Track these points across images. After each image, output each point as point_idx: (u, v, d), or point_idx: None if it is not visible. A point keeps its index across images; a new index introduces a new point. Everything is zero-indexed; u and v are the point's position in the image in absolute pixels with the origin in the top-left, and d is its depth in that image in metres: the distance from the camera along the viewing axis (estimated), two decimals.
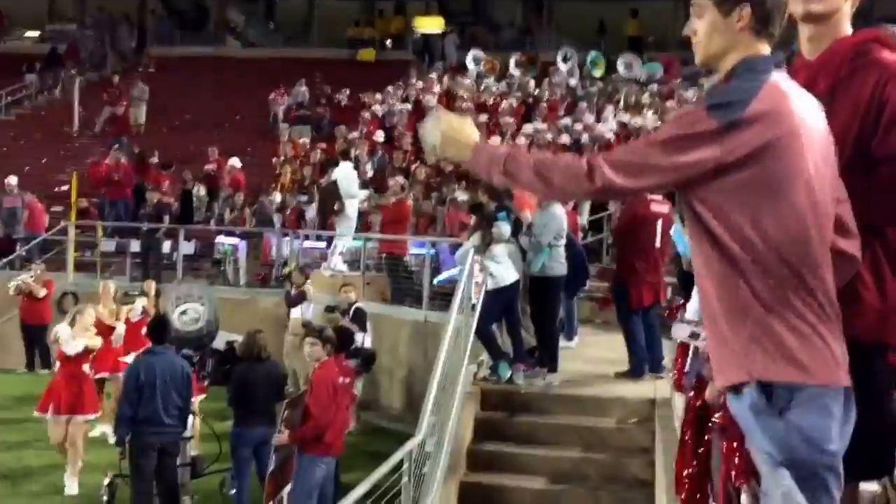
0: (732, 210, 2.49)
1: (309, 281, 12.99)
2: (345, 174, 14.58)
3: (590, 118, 17.55)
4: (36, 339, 14.89)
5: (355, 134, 19.01)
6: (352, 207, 14.46)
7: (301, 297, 12.63)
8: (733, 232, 2.49)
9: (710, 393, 3.76)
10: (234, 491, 8.81)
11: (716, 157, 2.47)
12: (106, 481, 9.12)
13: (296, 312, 12.61)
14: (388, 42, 30.08)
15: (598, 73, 20.76)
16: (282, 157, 19.22)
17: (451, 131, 2.73)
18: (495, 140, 17.03)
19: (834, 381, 2.51)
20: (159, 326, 8.62)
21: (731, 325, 2.53)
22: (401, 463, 6.18)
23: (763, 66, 2.56)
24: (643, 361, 9.21)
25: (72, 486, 9.62)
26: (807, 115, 2.55)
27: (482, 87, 20.57)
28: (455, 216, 13.19)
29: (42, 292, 14.85)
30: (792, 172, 2.49)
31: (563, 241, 9.28)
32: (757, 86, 2.50)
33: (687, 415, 4.47)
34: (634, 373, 9.22)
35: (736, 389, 2.57)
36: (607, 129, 16.41)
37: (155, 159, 19.86)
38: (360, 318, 11.43)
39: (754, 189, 2.48)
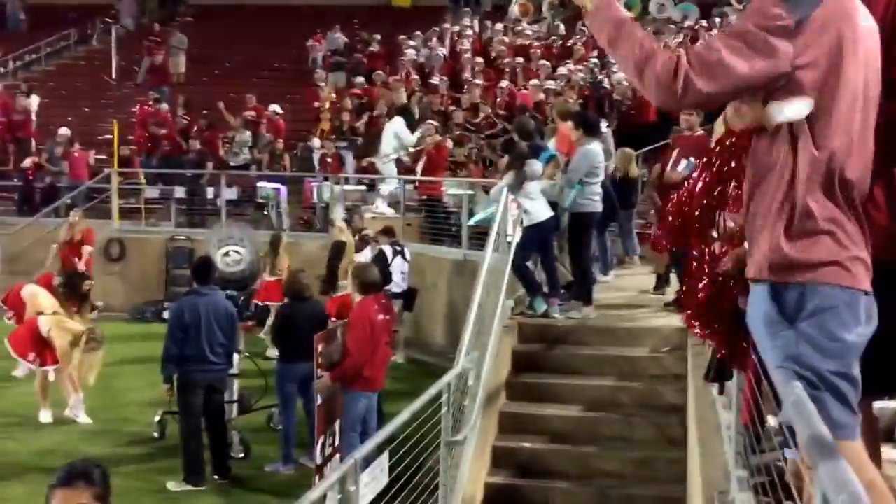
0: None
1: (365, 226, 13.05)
2: (397, 127, 14.80)
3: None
4: None
5: (395, 77, 19.05)
6: (390, 145, 14.74)
7: (364, 243, 12.67)
8: (782, 135, 2.52)
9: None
10: (280, 426, 9.13)
11: (789, 57, 2.44)
12: (157, 418, 9.55)
13: (360, 257, 12.69)
14: None
15: (633, 14, 20.45)
16: (323, 105, 19.33)
17: None
18: (534, 82, 17.04)
19: (851, 284, 2.50)
20: (203, 267, 8.84)
21: (765, 223, 2.56)
22: (440, 394, 6.38)
23: None
24: None
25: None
26: (867, 19, 2.55)
27: (517, 30, 20.44)
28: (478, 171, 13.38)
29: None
30: (848, 79, 2.49)
31: (597, 179, 9.36)
32: None
33: None
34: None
35: (754, 293, 2.61)
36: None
37: (203, 121, 19.92)
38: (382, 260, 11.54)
39: (816, 92, 2.47)
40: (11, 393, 11.15)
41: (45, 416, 10.10)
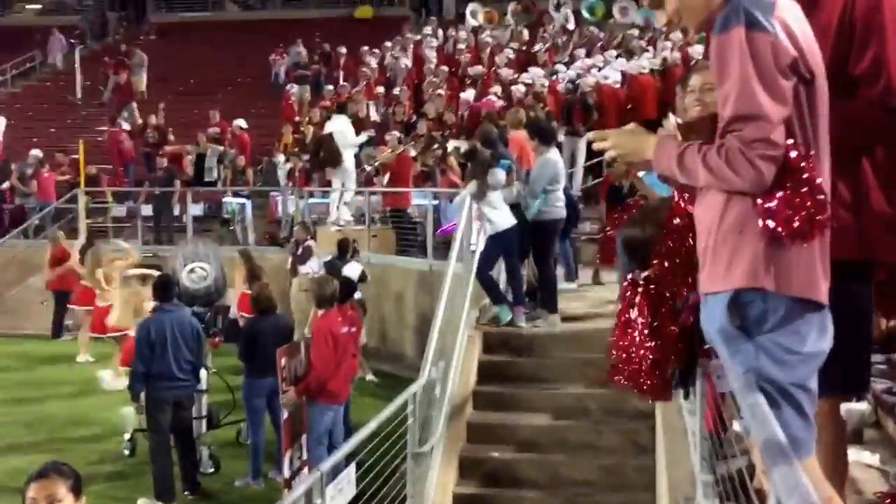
0: None
1: (311, 237, 13.25)
2: (340, 127, 14.76)
3: (587, 63, 17.55)
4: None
5: (357, 88, 19.11)
6: (350, 160, 14.68)
7: (308, 254, 12.88)
8: None
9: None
10: (250, 440, 9.11)
11: (794, 59, 2.48)
12: (126, 436, 9.52)
13: (304, 269, 12.86)
14: None
15: (596, 18, 20.69)
16: (304, 119, 19.42)
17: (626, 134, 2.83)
18: (496, 89, 17.14)
19: (809, 295, 2.52)
20: (165, 284, 8.85)
21: (724, 237, 2.57)
22: (405, 405, 6.40)
23: None
24: None
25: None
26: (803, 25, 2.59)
27: (480, 38, 20.57)
28: (448, 180, 13.39)
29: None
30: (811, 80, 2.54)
31: (559, 186, 9.44)
32: None
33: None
34: None
35: (711, 307, 2.62)
36: (603, 75, 16.42)
37: (152, 133, 19.98)
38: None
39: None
40: None
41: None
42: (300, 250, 13.01)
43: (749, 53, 2.44)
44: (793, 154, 2.46)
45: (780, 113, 2.45)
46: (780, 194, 2.45)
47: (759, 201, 2.47)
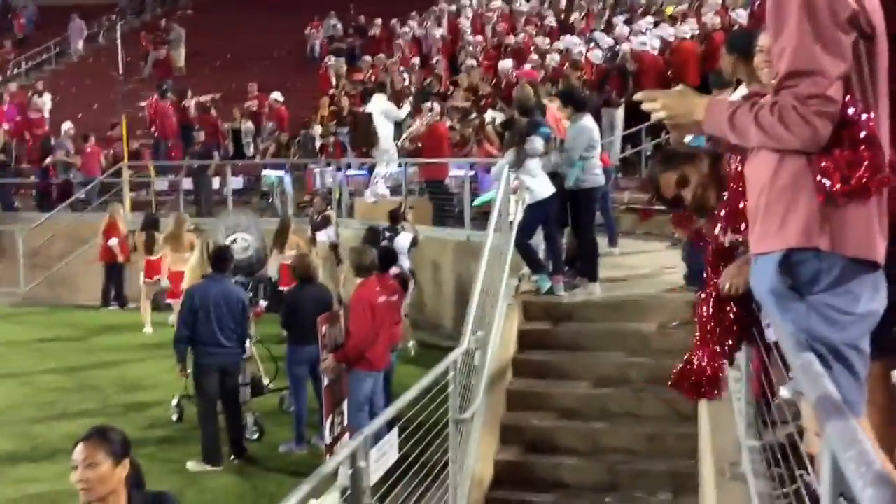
0: None
1: (330, 206, 13.68)
2: (381, 107, 14.78)
3: (625, 30, 17.32)
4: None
5: (392, 60, 19.07)
6: (388, 136, 14.71)
7: (325, 222, 13.17)
8: None
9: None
10: (293, 408, 9.24)
11: (854, 13, 2.41)
12: (174, 402, 9.74)
13: (321, 236, 13.17)
14: None
15: None
16: (328, 91, 19.47)
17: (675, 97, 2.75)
18: (532, 58, 17.01)
19: (865, 255, 2.47)
20: (219, 256, 9.01)
21: (777, 196, 2.52)
22: (447, 372, 6.44)
23: None
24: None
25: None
26: None
27: (514, 7, 20.40)
28: (485, 150, 13.39)
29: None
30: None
31: (595, 153, 9.38)
32: None
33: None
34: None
35: (762, 266, 2.58)
36: (641, 41, 16.19)
37: (190, 103, 20.16)
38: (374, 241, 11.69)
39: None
40: (38, 380, 11.56)
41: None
42: (319, 219, 13.27)
43: (806, 6, 2.38)
44: (850, 110, 2.39)
45: (837, 68, 2.38)
46: (836, 152, 2.39)
47: (815, 158, 2.42)
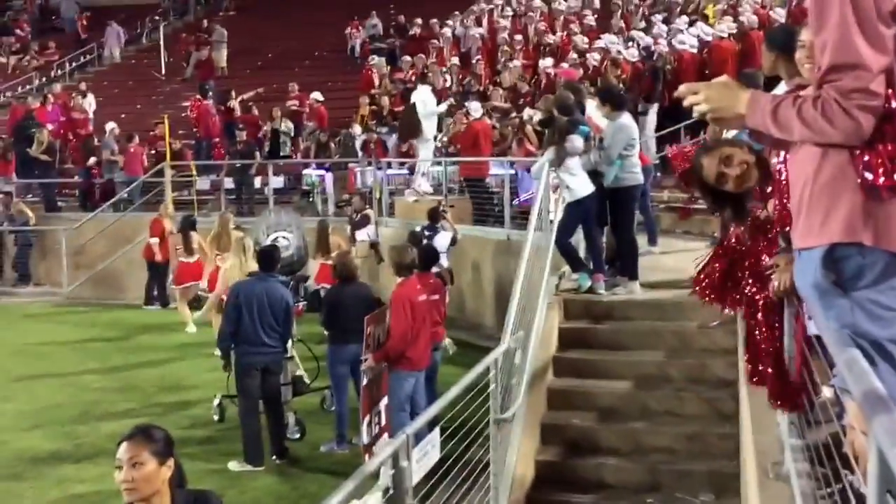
0: None
1: (369, 205, 13.72)
2: (423, 97, 14.84)
3: (663, 29, 17.21)
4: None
5: (431, 60, 19.12)
6: (430, 129, 14.78)
7: (365, 221, 13.21)
8: None
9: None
10: (334, 407, 9.28)
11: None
12: (216, 402, 9.81)
13: (361, 235, 13.23)
14: None
15: None
16: (370, 90, 19.58)
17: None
18: (571, 57, 16.97)
19: None
20: (266, 255, 9.07)
21: (820, 190, 2.50)
22: (488, 371, 6.44)
23: None
24: None
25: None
26: None
27: (553, 6, 20.34)
28: (525, 150, 13.38)
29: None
30: None
31: (634, 151, 9.33)
32: None
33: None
34: None
35: (805, 262, 2.57)
36: (679, 40, 16.08)
37: (234, 103, 20.37)
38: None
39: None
40: (80, 380, 11.68)
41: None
42: (358, 218, 13.33)
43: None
44: (893, 104, 2.37)
45: (880, 61, 2.36)
46: (879, 146, 2.37)
47: (858, 153, 2.40)
